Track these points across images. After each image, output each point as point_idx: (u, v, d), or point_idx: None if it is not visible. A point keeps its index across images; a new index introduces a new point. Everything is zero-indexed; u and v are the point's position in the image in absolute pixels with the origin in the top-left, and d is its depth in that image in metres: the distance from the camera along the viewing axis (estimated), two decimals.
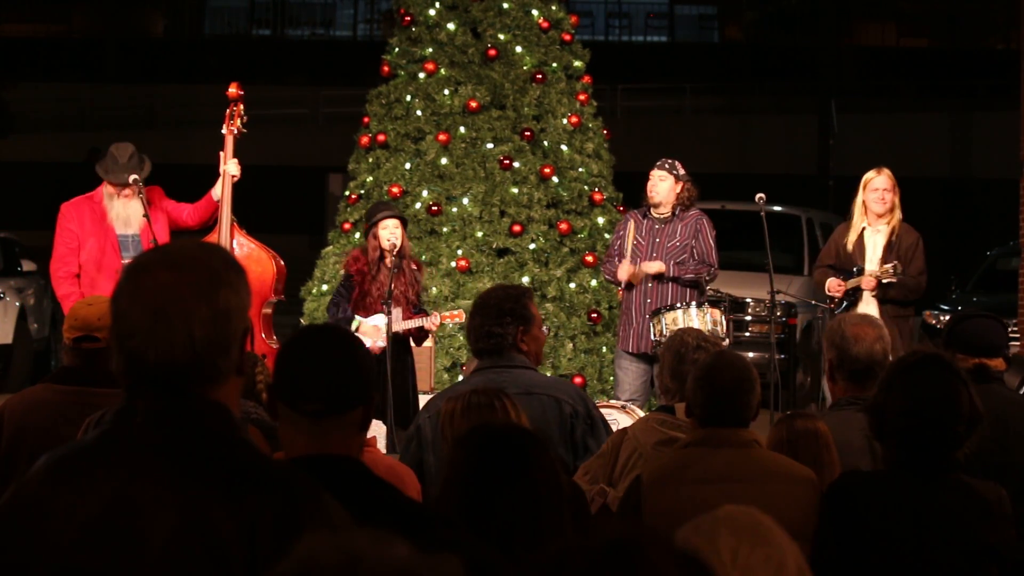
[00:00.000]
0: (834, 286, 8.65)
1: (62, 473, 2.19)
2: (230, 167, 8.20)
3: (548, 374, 10.00)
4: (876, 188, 8.64)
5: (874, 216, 8.65)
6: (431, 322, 8.01)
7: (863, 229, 8.68)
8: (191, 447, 2.16)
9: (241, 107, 8.35)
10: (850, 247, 8.68)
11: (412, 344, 8.39)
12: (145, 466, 2.14)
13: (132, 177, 8.01)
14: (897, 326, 8.25)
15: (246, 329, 2.25)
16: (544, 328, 5.58)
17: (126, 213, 8.07)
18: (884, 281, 8.49)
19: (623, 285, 8.70)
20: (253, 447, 2.23)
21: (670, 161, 8.84)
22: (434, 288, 10.08)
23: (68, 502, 2.14)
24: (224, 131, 8.28)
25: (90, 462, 2.18)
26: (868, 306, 8.45)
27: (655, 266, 8.59)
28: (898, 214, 8.66)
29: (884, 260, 8.54)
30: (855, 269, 8.65)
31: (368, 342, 7.95)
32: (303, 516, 2.13)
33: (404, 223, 8.23)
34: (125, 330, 2.20)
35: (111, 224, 8.04)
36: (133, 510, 2.11)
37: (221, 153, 8.27)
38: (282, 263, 8.53)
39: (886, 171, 8.72)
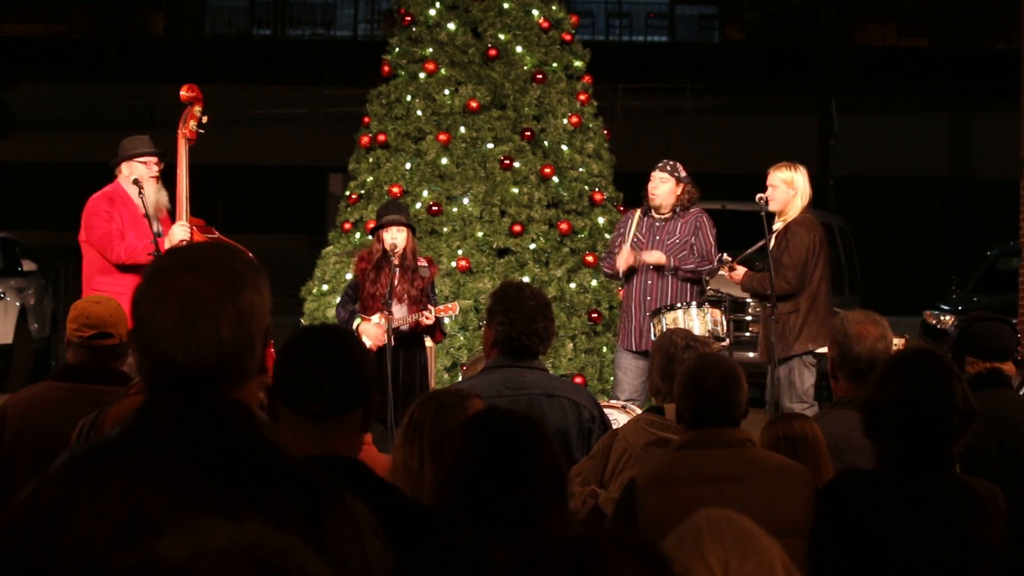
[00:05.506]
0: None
1: (85, 473, 2.18)
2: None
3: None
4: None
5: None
6: (425, 316, 7.98)
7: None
8: (215, 446, 2.17)
9: (196, 109, 7.92)
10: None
11: (430, 343, 8.37)
12: (169, 465, 2.15)
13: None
14: (769, 324, 7.94)
15: (268, 327, 2.26)
16: None
17: (156, 197, 7.75)
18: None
19: (622, 274, 8.64)
20: (276, 446, 2.25)
21: (672, 163, 8.77)
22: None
23: (92, 503, 2.14)
24: (178, 135, 7.85)
25: (113, 462, 2.18)
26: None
27: (655, 255, 8.55)
28: (792, 212, 8.15)
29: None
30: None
31: (368, 342, 7.93)
32: (328, 513, 2.15)
33: (412, 229, 8.20)
34: (150, 335, 2.19)
35: (145, 219, 7.72)
36: (158, 510, 2.11)
37: (177, 161, 7.83)
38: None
39: (782, 164, 8.23)
